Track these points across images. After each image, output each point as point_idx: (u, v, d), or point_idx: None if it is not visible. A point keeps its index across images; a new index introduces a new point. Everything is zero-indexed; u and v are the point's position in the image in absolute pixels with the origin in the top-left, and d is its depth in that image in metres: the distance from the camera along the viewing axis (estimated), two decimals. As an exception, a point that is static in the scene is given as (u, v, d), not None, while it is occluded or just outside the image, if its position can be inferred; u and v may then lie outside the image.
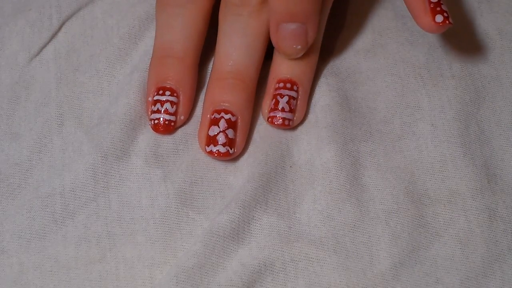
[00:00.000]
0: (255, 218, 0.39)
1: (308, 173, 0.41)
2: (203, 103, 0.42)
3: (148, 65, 0.42)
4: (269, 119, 0.41)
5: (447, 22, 0.40)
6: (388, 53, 0.45)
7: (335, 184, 0.40)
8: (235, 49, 0.41)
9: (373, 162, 0.41)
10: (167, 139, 0.42)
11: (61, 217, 0.40)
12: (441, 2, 0.40)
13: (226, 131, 0.40)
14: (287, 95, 0.41)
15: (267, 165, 0.41)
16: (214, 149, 0.40)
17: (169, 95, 0.41)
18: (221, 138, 0.40)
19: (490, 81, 0.44)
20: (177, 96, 0.41)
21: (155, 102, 0.41)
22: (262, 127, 0.42)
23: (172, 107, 0.41)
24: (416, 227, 0.40)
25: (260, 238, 0.39)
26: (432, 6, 0.40)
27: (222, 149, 0.40)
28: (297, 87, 0.41)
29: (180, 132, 0.42)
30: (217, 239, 0.39)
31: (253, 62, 0.41)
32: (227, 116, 0.40)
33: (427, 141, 0.42)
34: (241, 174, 0.41)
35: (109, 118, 0.41)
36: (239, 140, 0.41)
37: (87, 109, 0.42)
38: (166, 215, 0.40)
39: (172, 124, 0.41)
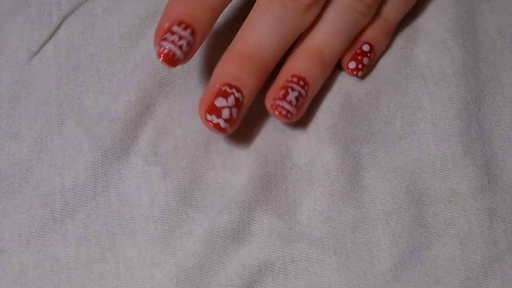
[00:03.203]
0: (255, 218, 0.39)
1: (309, 174, 0.41)
2: (215, 70, 0.40)
3: (150, 64, 0.42)
4: (273, 107, 0.41)
5: (354, 72, 0.43)
6: (390, 51, 0.45)
7: (336, 186, 0.40)
8: (266, 36, 0.40)
9: (373, 163, 0.41)
10: (167, 138, 0.42)
11: (61, 216, 0.40)
12: (368, 55, 0.43)
13: (232, 109, 0.39)
14: (298, 91, 0.41)
15: (267, 167, 0.41)
16: (215, 120, 0.39)
17: (189, 34, 0.39)
18: (225, 113, 0.39)
19: (491, 81, 0.44)
20: (195, 38, 0.39)
21: (173, 32, 0.39)
22: (262, 127, 0.42)
23: (187, 47, 0.39)
24: (417, 227, 0.40)
25: (261, 239, 0.39)
26: (358, 51, 0.43)
27: (223, 124, 0.39)
28: (308, 87, 0.41)
29: (179, 130, 0.42)
30: (217, 239, 0.39)
31: (278, 54, 0.41)
32: (237, 95, 0.39)
33: (428, 140, 0.42)
34: (240, 173, 0.41)
35: (110, 116, 0.41)
36: (237, 121, 0.40)
37: (87, 108, 0.42)
38: (165, 213, 0.40)
39: (178, 62, 0.39)
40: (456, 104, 0.43)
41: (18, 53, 0.44)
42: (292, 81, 0.41)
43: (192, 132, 0.42)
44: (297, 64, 0.41)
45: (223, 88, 0.39)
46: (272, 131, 0.42)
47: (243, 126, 0.42)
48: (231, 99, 0.39)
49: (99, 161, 0.40)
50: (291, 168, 0.41)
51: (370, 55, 0.43)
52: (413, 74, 0.44)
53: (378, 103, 0.43)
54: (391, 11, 0.44)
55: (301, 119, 0.42)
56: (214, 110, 0.39)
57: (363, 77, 0.44)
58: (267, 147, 0.41)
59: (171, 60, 0.39)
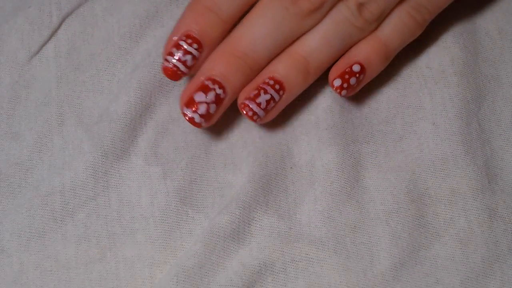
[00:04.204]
0: (255, 218, 0.39)
1: (309, 174, 0.41)
2: (205, 62, 0.40)
3: (150, 64, 0.42)
4: (242, 105, 0.40)
5: (338, 90, 0.41)
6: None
7: (336, 185, 0.40)
8: (262, 37, 0.40)
9: (374, 163, 0.41)
10: (167, 138, 0.42)
11: (60, 215, 0.40)
12: (357, 75, 0.41)
13: (210, 105, 0.40)
14: (271, 94, 0.40)
15: (268, 167, 0.41)
16: (190, 114, 0.39)
17: (195, 49, 0.40)
18: (202, 108, 0.39)
19: (491, 80, 0.44)
20: (201, 53, 0.40)
21: (180, 47, 0.40)
22: (262, 127, 0.42)
23: (192, 61, 0.40)
24: (417, 227, 0.40)
25: (261, 239, 0.39)
26: (346, 70, 0.41)
27: (197, 119, 0.39)
28: (283, 93, 0.41)
29: (180, 130, 0.42)
30: (218, 239, 0.39)
31: (269, 57, 0.41)
32: (219, 91, 0.40)
33: (428, 140, 0.42)
34: (240, 173, 0.41)
35: (110, 116, 0.41)
36: (215, 116, 0.40)
37: (87, 108, 0.42)
38: (166, 213, 0.40)
39: (182, 75, 0.40)
40: (456, 104, 0.43)
41: (18, 53, 0.44)
42: (268, 83, 0.40)
43: (192, 132, 0.42)
44: (278, 68, 0.41)
45: (206, 83, 0.40)
46: (272, 131, 0.42)
47: (243, 126, 0.42)
48: (210, 95, 0.39)
49: (99, 161, 0.40)
50: (291, 167, 0.41)
51: (359, 76, 0.41)
52: (414, 75, 0.44)
53: (378, 104, 0.43)
54: (392, 35, 0.42)
55: (302, 118, 0.42)
56: (191, 103, 0.40)
57: (349, 98, 0.43)
58: (268, 147, 0.41)
59: (175, 75, 0.40)
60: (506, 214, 0.41)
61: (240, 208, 0.39)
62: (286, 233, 0.39)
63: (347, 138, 0.42)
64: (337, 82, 0.41)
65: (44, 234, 0.39)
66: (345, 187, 0.40)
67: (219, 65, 0.40)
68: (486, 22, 0.46)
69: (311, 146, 0.41)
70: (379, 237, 0.40)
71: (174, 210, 0.40)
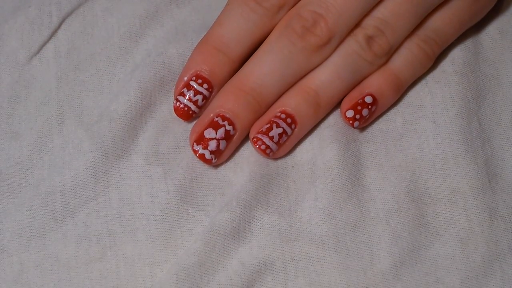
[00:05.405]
0: (256, 217, 0.39)
1: (310, 172, 0.41)
2: (214, 99, 0.41)
3: (150, 63, 0.42)
4: (254, 139, 0.41)
5: (350, 121, 0.41)
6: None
7: (337, 183, 0.40)
8: (270, 72, 0.40)
9: (374, 162, 0.41)
10: (167, 137, 0.42)
11: (61, 215, 0.40)
12: (370, 107, 0.41)
13: (220, 141, 0.40)
14: (283, 128, 0.40)
15: (269, 166, 0.41)
16: (201, 151, 0.40)
17: (205, 89, 0.41)
18: (212, 145, 0.40)
19: (491, 80, 0.44)
20: (211, 93, 0.41)
21: (190, 87, 0.41)
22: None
23: (202, 101, 0.41)
24: (417, 226, 0.40)
25: (261, 237, 0.39)
26: (359, 101, 0.41)
27: (208, 156, 0.40)
28: (295, 127, 0.41)
29: (180, 129, 0.42)
30: (218, 237, 0.39)
31: (278, 92, 0.41)
32: (228, 127, 0.40)
33: (429, 138, 0.42)
34: (241, 172, 0.41)
35: (110, 116, 0.41)
36: (226, 153, 0.41)
37: (87, 107, 0.42)
38: (166, 212, 0.40)
39: (194, 115, 0.41)
40: (457, 103, 0.43)
41: (18, 53, 0.44)
42: (279, 117, 0.40)
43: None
44: (289, 101, 0.41)
45: (215, 119, 0.40)
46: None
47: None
48: (220, 132, 0.40)
49: (100, 161, 0.40)
50: (293, 166, 0.41)
51: (372, 108, 0.41)
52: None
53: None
54: (403, 67, 0.42)
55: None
56: (201, 140, 0.40)
57: (361, 129, 0.43)
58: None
59: (186, 115, 0.41)
60: (506, 213, 0.41)
61: (241, 207, 0.39)
62: (287, 231, 0.39)
63: (347, 136, 0.42)
64: (350, 113, 0.41)
65: (45, 234, 0.39)
66: (346, 184, 0.40)
67: (228, 102, 0.40)
68: (487, 22, 0.46)
69: (313, 145, 0.41)
70: (379, 236, 0.40)
71: (175, 208, 0.40)
